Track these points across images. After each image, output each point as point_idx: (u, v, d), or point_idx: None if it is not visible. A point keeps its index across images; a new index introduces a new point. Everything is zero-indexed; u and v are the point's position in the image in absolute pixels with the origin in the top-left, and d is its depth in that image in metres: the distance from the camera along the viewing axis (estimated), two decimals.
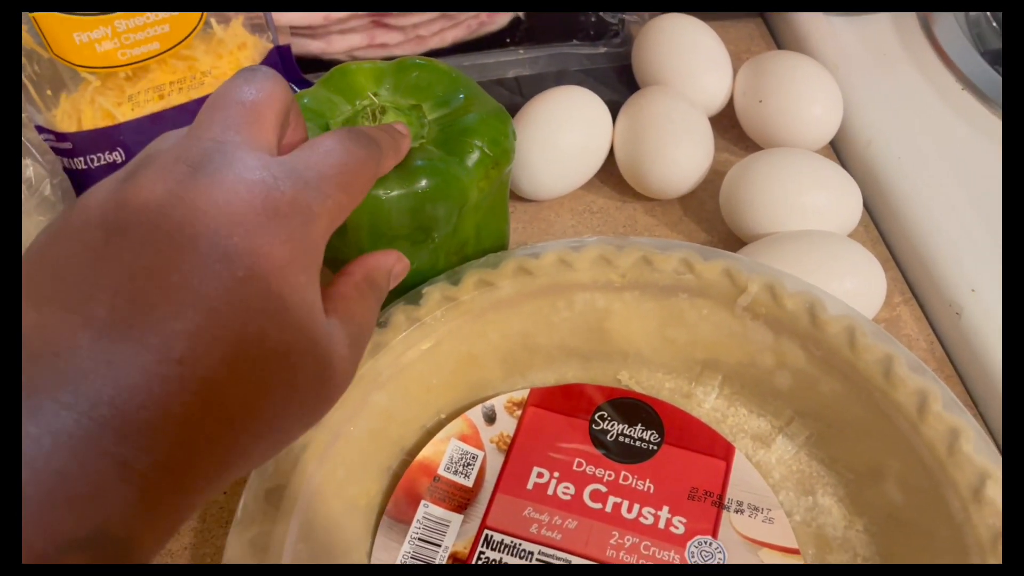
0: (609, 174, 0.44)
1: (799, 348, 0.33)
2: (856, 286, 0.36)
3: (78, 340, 0.18)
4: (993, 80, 0.46)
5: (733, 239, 0.42)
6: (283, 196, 0.21)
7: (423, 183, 0.31)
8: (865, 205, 0.43)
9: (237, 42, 0.43)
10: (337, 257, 0.34)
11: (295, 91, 0.44)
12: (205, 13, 0.42)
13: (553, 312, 0.34)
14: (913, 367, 0.30)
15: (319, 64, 0.48)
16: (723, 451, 0.33)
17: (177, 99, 0.41)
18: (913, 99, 0.46)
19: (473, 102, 0.34)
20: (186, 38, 0.41)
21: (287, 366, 0.20)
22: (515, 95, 0.48)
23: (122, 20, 0.37)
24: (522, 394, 0.34)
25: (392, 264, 0.27)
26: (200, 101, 0.42)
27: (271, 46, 0.44)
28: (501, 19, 0.49)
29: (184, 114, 0.41)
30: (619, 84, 0.48)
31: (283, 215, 0.20)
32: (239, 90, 0.23)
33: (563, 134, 0.42)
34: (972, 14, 0.52)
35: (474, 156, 0.32)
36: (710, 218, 0.43)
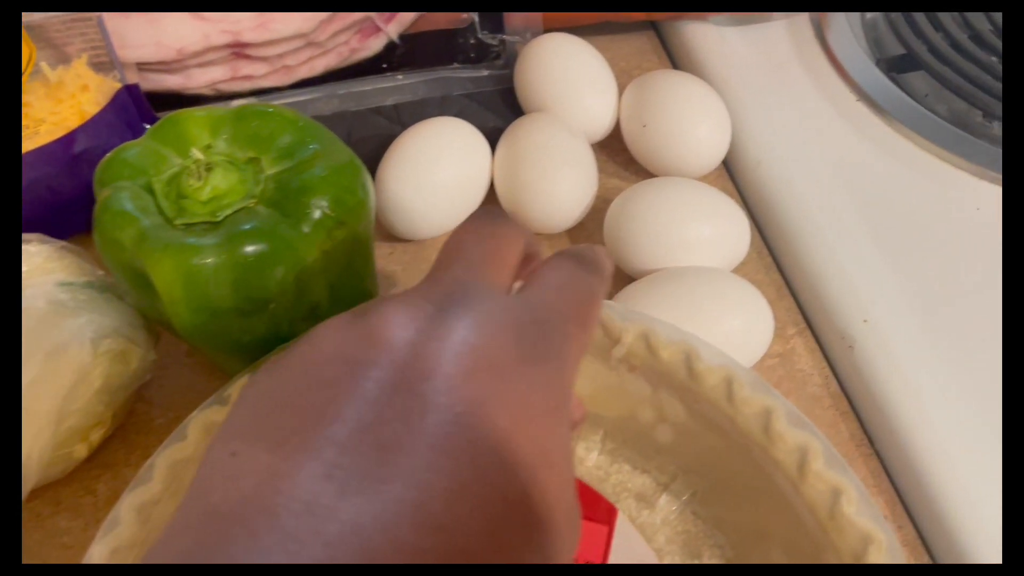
0: (493, 207, 0.42)
1: (678, 401, 0.30)
2: (743, 324, 0.34)
3: (320, 495, 0.15)
4: (888, 90, 0.45)
5: (621, 274, 0.39)
6: (534, 340, 0.19)
7: (248, 250, 0.28)
8: (759, 230, 0.41)
9: (79, 84, 0.40)
10: (171, 326, 0.31)
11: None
12: (34, 54, 0.38)
13: None
14: (793, 420, 0.28)
15: (182, 100, 0.45)
16: (605, 514, 0.31)
17: None
18: (806, 114, 0.44)
19: (321, 154, 0.31)
20: None
21: (544, 532, 0.17)
22: (394, 124, 0.45)
23: None
24: None
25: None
26: (38, 152, 0.38)
27: (119, 86, 0.41)
28: (375, 44, 0.46)
29: (23, 167, 0.38)
30: (504, 108, 0.46)
31: (537, 359, 0.18)
32: (478, 231, 0.22)
33: (438, 169, 0.39)
34: (868, 17, 0.50)
35: (313, 217, 0.29)
36: None
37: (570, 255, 0.22)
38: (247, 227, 0.29)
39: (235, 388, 0.29)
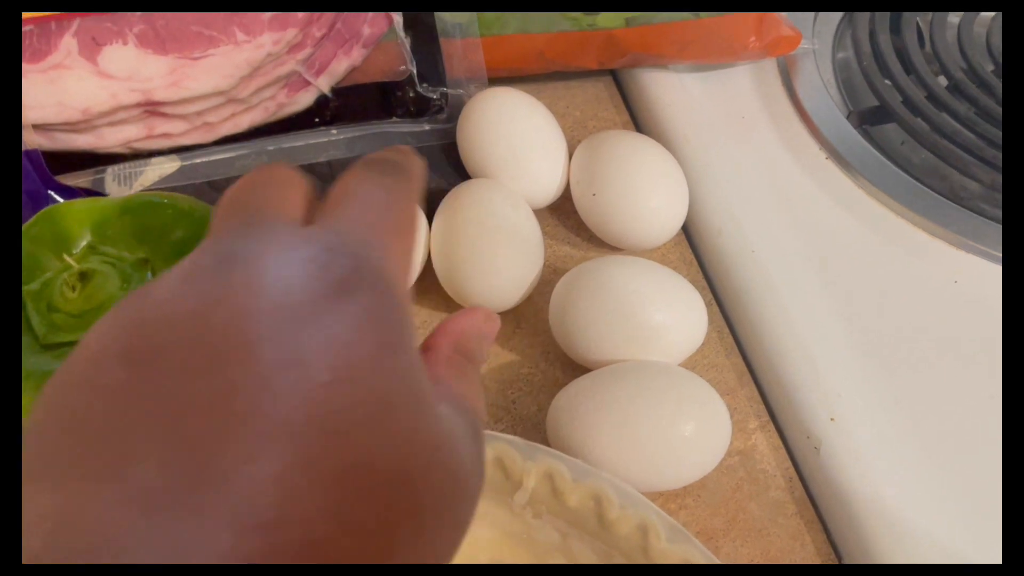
0: (431, 282, 0.38)
1: (590, 551, 0.27)
2: (696, 429, 0.31)
3: (122, 526, 0.12)
4: (859, 147, 0.41)
5: (569, 361, 0.36)
6: (343, 267, 0.16)
7: None
8: (719, 304, 0.38)
9: None
10: None
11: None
12: None
13: None
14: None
15: (96, 159, 0.41)
16: None
17: None
18: (771, 172, 0.41)
19: None
20: None
21: (409, 490, 0.15)
22: (328, 183, 0.41)
23: None
24: None
25: (481, 325, 0.21)
26: None
27: None
28: (305, 99, 0.42)
29: None
30: (447, 167, 0.42)
31: (352, 289, 0.15)
32: (252, 180, 0.19)
33: None
34: (840, 56, 0.47)
35: None
36: (547, 329, 0.37)
37: (368, 163, 0.20)
38: None
39: None
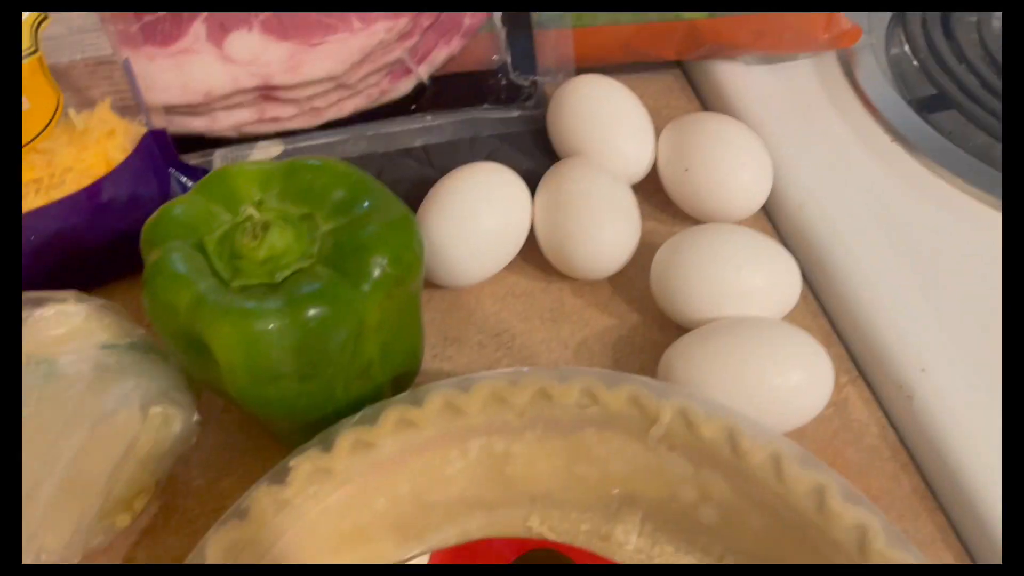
0: (532, 252, 0.41)
1: (722, 480, 0.30)
2: (802, 378, 0.33)
3: None
4: (922, 130, 0.44)
5: (666, 319, 0.38)
6: None
7: (311, 313, 0.27)
8: (803, 274, 0.41)
9: (105, 129, 0.38)
10: (221, 389, 0.29)
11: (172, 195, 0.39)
12: (61, 100, 0.37)
13: (446, 464, 0.30)
14: (848, 497, 0.28)
15: (206, 142, 0.44)
16: None
17: (35, 201, 0.36)
18: (841, 154, 0.44)
19: (376, 209, 0.30)
20: (42, 131, 0.36)
21: None
22: (424, 166, 0.44)
23: None
24: (422, 560, 0.30)
25: None
26: (63, 202, 0.37)
27: (144, 130, 0.39)
28: (404, 86, 0.45)
29: (44, 219, 0.36)
30: (536, 150, 0.45)
31: None
32: None
33: (479, 216, 0.38)
34: (893, 52, 0.51)
35: (374, 276, 0.28)
36: (641, 296, 0.40)
37: None
38: (309, 289, 0.27)
39: (297, 463, 0.28)
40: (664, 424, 0.30)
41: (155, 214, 0.30)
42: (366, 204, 0.30)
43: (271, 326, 0.26)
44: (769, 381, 0.33)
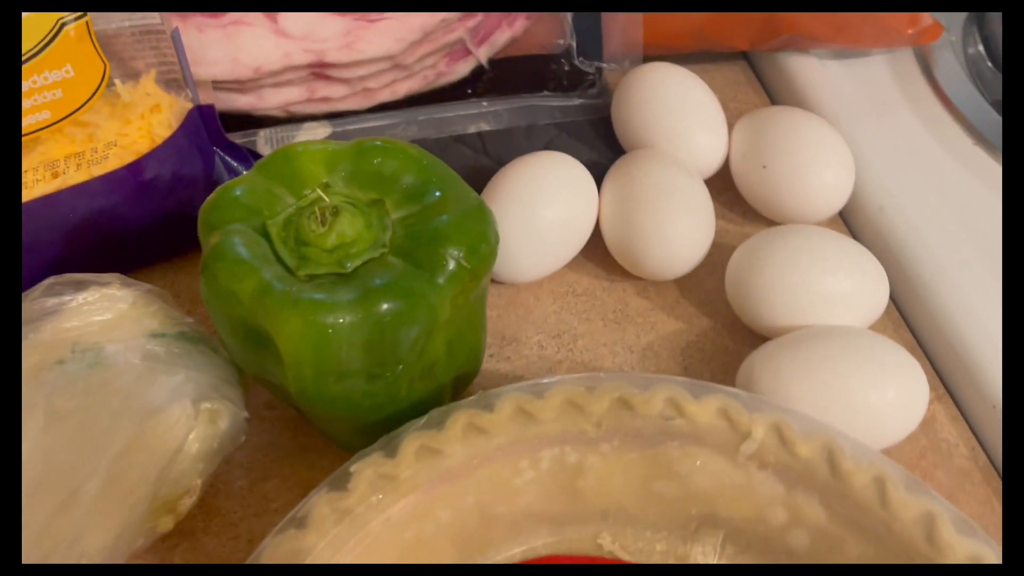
0: (595, 249, 0.39)
1: (818, 503, 0.27)
2: (896, 395, 0.31)
3: None
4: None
5: (739, 324, 0.36)
6: None
7: (384, 307, 0.25)
8: None
9: (149, 103, 0.36)
10: (280, 384, 0.27)
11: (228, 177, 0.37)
12: (108, 69, 0.34)
13: (515, 475, 0.28)
14: (961, 527, 0.25)
15: (249, 120, 0.42)
16: None
17: (75, 177, 0.34)
18: (921, 156, 0.42)
19: (449, 197, 0.28)
20: (86, 102, 0.34)
21: None
22: (478, 153, 0.42)
23: None
24: None
25: None
26: (104, 179, 0.35)
27: (190, 106, 0.37)
28: (462, 69, 0.42)
29: (84, 196, 0.34)
30: (597, 140, 0.42)
31: None
32: None
33: (543, 209, 0.36)
34: (970, 52, 0.48)
35: (449, 269, 0.26)
36: (711, 299, 0.38)
37: None
38: (382, 281, 0.25)
39: (359, 468, 0.26)
40: (757, 440, 0.27)
41: (213, 195, 0.27)
42: (437, 192, 0.28)
43: (342, 320, 0.24)
44: (864, 396, 0.31)
